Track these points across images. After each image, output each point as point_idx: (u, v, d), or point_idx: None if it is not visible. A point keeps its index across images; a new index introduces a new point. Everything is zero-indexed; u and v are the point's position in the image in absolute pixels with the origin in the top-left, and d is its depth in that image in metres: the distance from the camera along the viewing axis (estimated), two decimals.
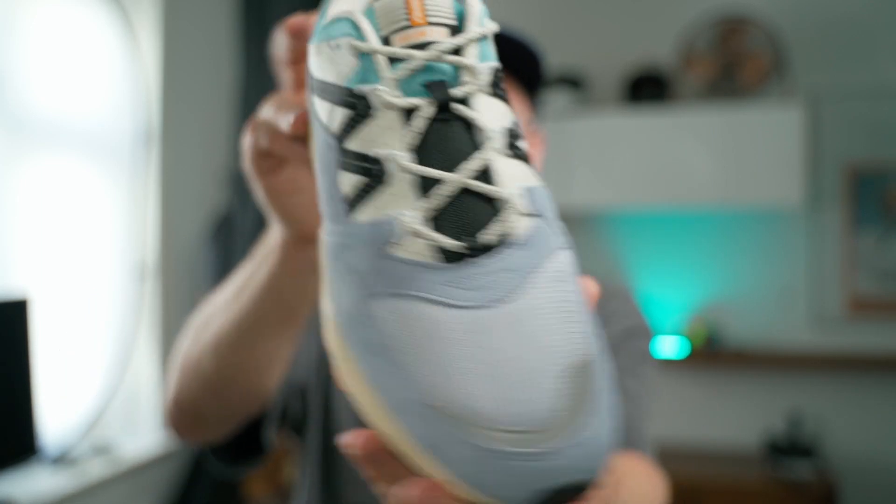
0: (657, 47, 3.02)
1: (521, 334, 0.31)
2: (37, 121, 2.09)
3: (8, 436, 1.81)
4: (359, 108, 0.34)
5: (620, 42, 3.12)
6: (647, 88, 2.98)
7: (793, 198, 2.70)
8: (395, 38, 0.34)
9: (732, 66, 2.86)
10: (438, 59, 0.34)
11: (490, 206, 0.33)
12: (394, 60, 0.34)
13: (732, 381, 3.02)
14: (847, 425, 2.92)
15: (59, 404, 2.12)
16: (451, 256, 0.32)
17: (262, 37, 2.68)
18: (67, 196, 2.21)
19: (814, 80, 2.96)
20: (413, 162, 0.33)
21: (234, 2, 2.81)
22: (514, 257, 0.32)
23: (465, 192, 0.33)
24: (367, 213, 0.33)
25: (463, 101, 0.34)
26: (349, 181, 0.34)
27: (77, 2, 2.21)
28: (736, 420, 2.98)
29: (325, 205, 0.36)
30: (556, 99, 2.93)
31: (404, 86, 0.34)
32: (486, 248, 0.32)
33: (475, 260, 0.32)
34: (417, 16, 0.35)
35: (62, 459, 2.05)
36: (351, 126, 0.34)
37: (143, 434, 2.41)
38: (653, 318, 3.04)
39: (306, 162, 0.46)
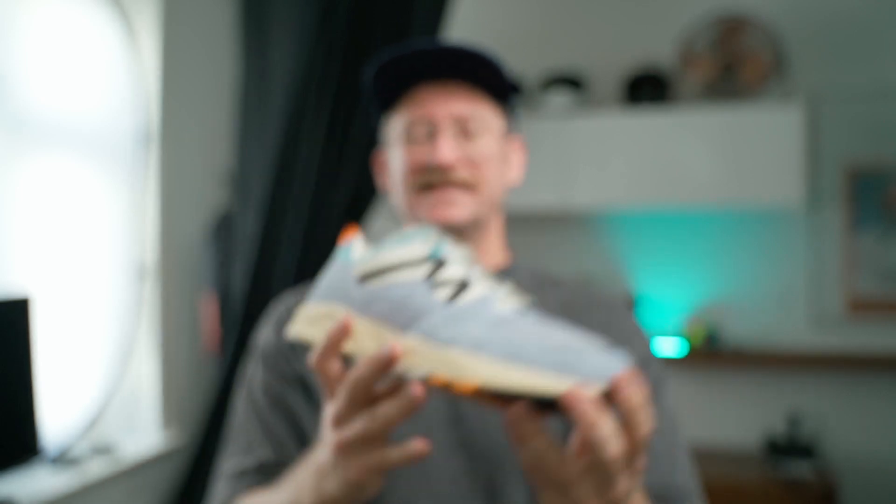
0: (657, 48, 3.02)
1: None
2: (37, 121, 2.09)
3: (10, 437, 1.81)
4: (436, 264, 0.62)
5: (620, 42, 3.12)
6: (648, 89, 2.98)
7: (793, 198, 2.70)
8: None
9: (732, 66, 2.86)
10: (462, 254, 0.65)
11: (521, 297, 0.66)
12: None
13: (732, 380, 3.02)
14: (847, 425, 2.92)
15: (59, 404, 2.12)
16: (521, 312, 0.62)
17: (261, 37, 2.68)
18: (67, 196, 2.21)
19: (813, 80, 2.96)
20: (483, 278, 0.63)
21: (234, 2, 2.81)
22: None
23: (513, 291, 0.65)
24: (468, 298, 0.59)
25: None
26: (443, 295, 0.60)
27: (77, 2, 2.21)
28: (735, 419, 2.99)
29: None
30: (556, 99, 2.93)
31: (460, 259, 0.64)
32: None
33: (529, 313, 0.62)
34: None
35: (62, 459, 2.06)
36: (433, 274, 0.61)
37: (142, 433, 2.41)
38: (653, 319, 3.04)
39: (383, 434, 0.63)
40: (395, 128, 0.97)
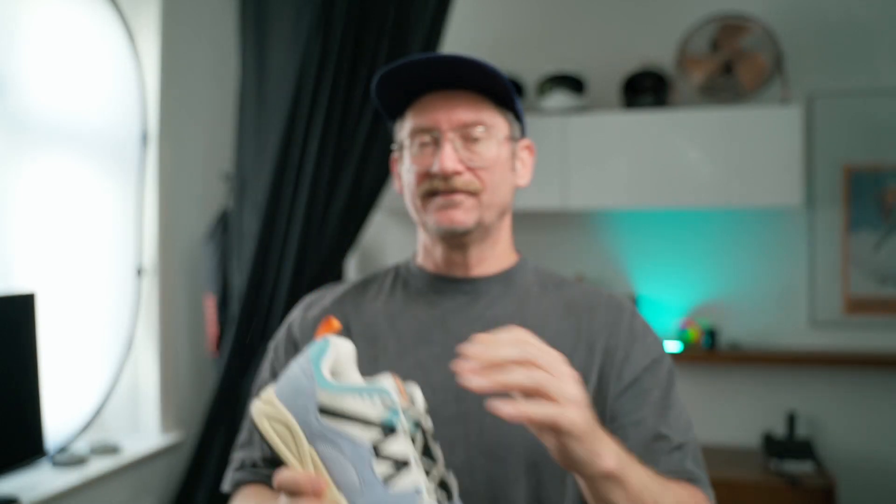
0: (656, 48, 3.03)
1: None
2: (38, 121, 2.10)
3: (15, 435, 1.82)
4: (386, 432, 0.67)
5: (620, 43, 3.13)
6: (647, 89, 2.98)
7: (792, 199, 2.70)
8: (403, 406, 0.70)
9: (731, 67, 2.86)
10: (417, 416, 0.71)
11: (450, 487, 0.71)
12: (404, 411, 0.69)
13: (731, 380, 3.03)
14: (845, 424, 2.93)
15: (61, 402, 2.13)
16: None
17: (261, 37, 2.69)
18: (69, 196, 2.22)
19: (811, 82, 2.97)
20: (422, 460, 0.67)
21: (234, 3, 2.81)
22: None
23: (444, 478, 0.71)
24: (400, 484, 0.65)
25: (424, 428, 0.71)
26: (381, 470, 0.65)
27: (78, 3, 2.22)
28: (734, 418, 2.99)
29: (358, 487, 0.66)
30: (556, 100, 2.93)
31: (410, 425, 0.69)
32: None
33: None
34: (402, 391, 0.71)
35: (64, 456, 2.06)
36: (380, 442, 0.66)
37: (144, 431, 2.42)
38: (652, 318, 3.05)
39: None
40: (403, 135, 1.01)
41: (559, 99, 2.93)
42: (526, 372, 0.69)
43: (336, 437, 0.66)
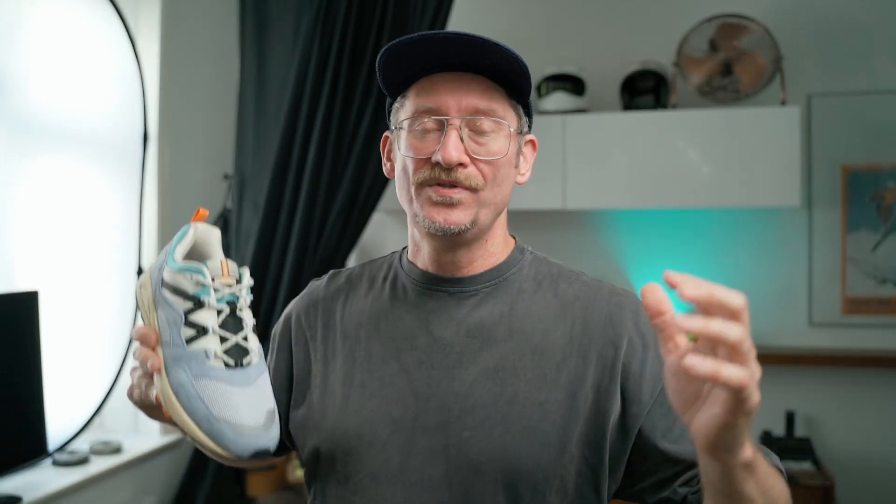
0: (656, 49, 3.03)
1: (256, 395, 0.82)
2: (40, 121, 2.10)
3: (19, 436, 1.82)
4: (196, 304, 0.82)
5: (620, 43, 3.13)
6: (646, 90, 2.99)
7: (791, 200, 2.71)
8: (217, 280, 0.83)
9: (730, 68, 2.87)
10: (236, 293, 0.84)
11: (246, 352, 0.83)
12: (216, 289, 0.83)
13: None
14: (844, 423, 2.94)
15: (62, 401, 2.13)
16: (229, 366, 0.81)
17: (261, 37, 2.69)
18: (70, 195, 2.22)
19: (810, 82, 2.98)
20: (218, 330, 0.82)
21: (234, 2, 2.82)
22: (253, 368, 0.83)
23: (238, 344, 0.83)
24: (195, 345, 0.81)
25: (240, 309, 0.84)
26: (186, 333, 0.81)
27: (78, 3, 2.22)
28: None
29: (168, 344, 0.82)
30: (556, 100, 2.94)
31: (219, 300, 0.83)
32: (245, 365, 0.82)
33: (239, 367, 0.82)
34: (225, 272, 0.84)
35: (65, 456, 2.07)
36: (191, 311, 0.81)
37: (144, 431, 2.42)
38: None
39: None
40: (404, 113, 0.92)
41: (559, 99, 2.93)
42: (738, 329, 0.61)
43: (164, 305, 0.83)
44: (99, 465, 2.10)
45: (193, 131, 2.63)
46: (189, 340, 0.80)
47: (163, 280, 0.84)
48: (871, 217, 2.95)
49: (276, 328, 1.08)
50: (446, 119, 0.88)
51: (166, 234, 2.46)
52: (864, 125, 2.95)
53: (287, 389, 1.03)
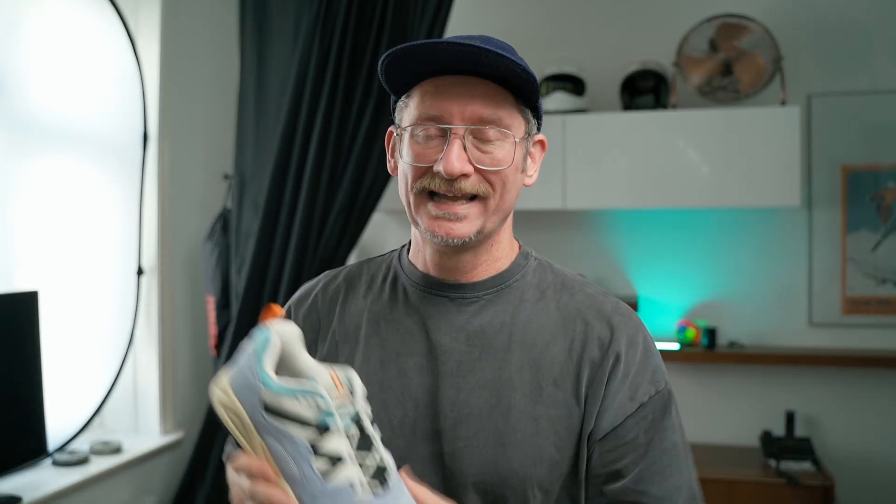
0: (656, 49, 3.03)
1: None
2: (40, 122, 2.10)
3: (20, 436, 1.82)
4: (321, 430, 0.72)
5: (620, 43, 3.13)
6: (646, 90, 2.99)
7: (790, 200, 2.71)
8: (335, 398, 0.73)
9: (730, 68, 2.87)
10: (357, 409, 0.75)
11: (385, 469, 0.74)
12: (339, 409, 0.73)
13: (730, 379, 3.03)
14: (844, 423, 2.94)
15: (62, 400, 2.13)
16: (378, 494, 0.72)
17: (261, 37, 2.69)
18: (70, 195, 2.22)
19: (810, 82, 2.98)
20: (356, 455, 0.73)
21: (234, 3, 2.82)
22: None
23: (378, 465, 0.74)
24: (336, 479, 0.71)
25: (365, 425, 0.75)
26: (319, 466, 0.71)
27: (78, 4, 2.22)
28: (733, 418, 3.00)
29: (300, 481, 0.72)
30: (556, 100, 2.94)
31: (346, 424, 0.73)
32: (390, 485, 0.73)
33: (385, 487, 0.73)
34: (338, 384, 0.75)
35: (65, 456, 2.07)
36: (317, 440, 0.71)
37: (144, 431, 2.42)
38: (651, 318, 3.06)
39: None
40: (407, 116, 0.89)
41: (559, 99, 2.93)
42: None
43: (279, 435, 0.72)
44: (99, 465, 2.10)
45: (193, 131, 2.63)
46: (325, 475, 0.70)
47: (265, 406, 0.73)
48: (871, 217, 2.95)
49: None
50: (450, 128, 0.85)
51: (166, 234, 2.46)
52: (864, 125, 2.95)
53: None
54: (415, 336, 0.93)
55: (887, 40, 2.94)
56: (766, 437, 2.84)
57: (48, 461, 2.05)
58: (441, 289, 0.94)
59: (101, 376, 2.32)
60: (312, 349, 0.97)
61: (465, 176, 0.85)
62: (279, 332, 0.76)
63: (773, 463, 2.69)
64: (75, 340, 2.23)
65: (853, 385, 2.93)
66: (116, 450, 2.21)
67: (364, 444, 0.73)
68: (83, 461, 2.09)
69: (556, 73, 2.99)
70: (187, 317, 2.62)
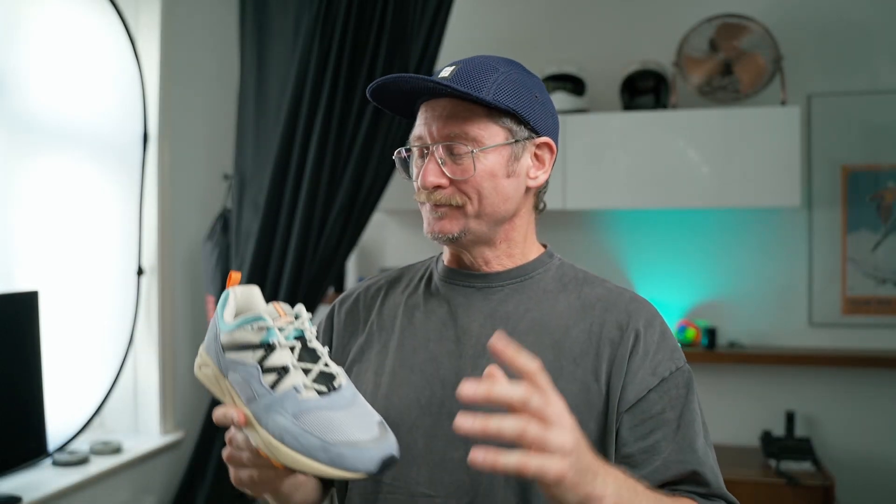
0: (656, 49, 3.03)
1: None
2: (40, 122, 2.10)
3: (20, 436, 1.82)
4: (267, 349, 0.81)
5: (620, 43, 3.13)
6: (646, 90, 2.99)
7: (790, 200, 2.71)
8: (277, 322, 0.83)
9: (730, 68, 2.87)
10: (299, 326, 0.83)
11: (333, 376, 0.82)
12: (280, 329, 0.82)
13: (730, 379, 3.03)
14: (844, 423, 2.94)
15: (62, 400, 2.13)
16: (323, 393, 0.79)
17: (261, 37, 2.69)
18: (70, 196, 2.22)
19: (810, 82, 2.98)
20: (298, 364, 0.81)
21: (234, 3, 2.82)
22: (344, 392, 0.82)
23: (322, 371, 0.82)
24: (282, 387, 0.79)
25: (309, 341, 0.84)
26: (267, 380, 0.80)
27: (78, 4, 2.22)
28: (733, 417, 3.00)
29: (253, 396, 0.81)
30: (556, 100, 2.94)
31: (288, 337, 0.82)
32: (337, 388, 0.81)
33: (332, 391, 0.80)
34: (282, 313, 0.84)
35: (65, 456, 2.07)
36: (264, 358, 0.80)
37: (144, 431, 2.42)
38: None
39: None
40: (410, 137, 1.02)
41: (559, 99, 2.93)
42: (514, 421, 0.70)
43: (235, 366, 0.82)
44: (99, 465, 2.10)
45: (193, 131, 2.63)
46: (273, 385, 0.79)
47: (222, 346, 0.83)
48: (871, 217, 2.95)
49: (320, 323, 1.14)
50: (428, 146, 0.97)
51: (166, 234, 2.46)
52: (864, 125, 2.95)
53: None
54: (445, 323, 1.01)
55: (887, 40, 2.94)
56: (766, 437, 2.84)
57: (48, 461, 2.05)
58: (466, 279, 1.03)
59: (101, 376, 2.32)
60: (352, 341, 1.08)
61: (441, 187, 0.96)
62: (236, 291, 0.88)
63: (773, 463, 2.69)
64: (75, 340, 2.23)
65: (853, 385, 2.93)
66: (116, 450, 2.21)
67: (308, 356, 0.82)
68: (83, 461, 2.09)
69: (556, 73, 2.99)
70: (187, 317, 2.61)
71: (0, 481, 1.82)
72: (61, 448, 2.13)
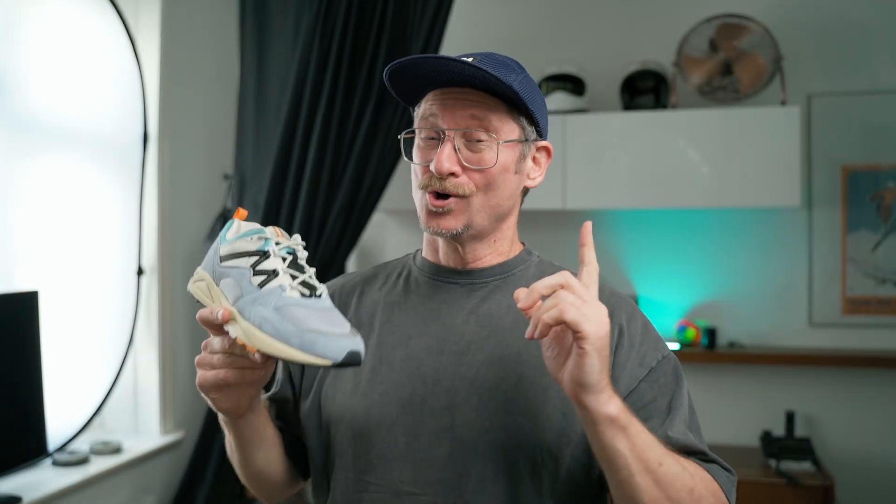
0: (656, 49, 3.03)
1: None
2: (40, 122, 2.10)
3: (20, 436, 1.82)
4: (261, 256, 0.87)
5: (619, 43, 3.13)
6: (646, 90, 2.99)
7: (790, 200, 2.71)
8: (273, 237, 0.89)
9: (730, 68, 2.87)
10: (292, 246, 0.89)
11: (316, 287, 0.86)
12: (277, 243, 0.88)
13: (730, 379, 3.03)
14: (844, 423, 2.94)
15: (62, 400, 2.13)
16: (305, 295, 0.84)
17: (261, 37, 2.69)
18: (70, 196, 2.22)
19: (810, 82, 2.98)
20: (287, 269, 0.86)
21: (234, 3, 2.82)
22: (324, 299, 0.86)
23: (307, 280, 0.86)
24: (270, 286, 0.85)
25: (300, 259, 0.89)
26: (257, 280, 0.85)
27: (78, 4, 2.22)
28: (733, 418, 3.00)
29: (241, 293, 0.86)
30: (556, 100, 2.94)
31: (281, 251, 0.88)
32: (319, 296, 0.85)
33: (314, 297, 0.85)
34: (280, 234, 0.90)
35: (65, 456, 2.07)
36: (257, 263, 0.86)
37: (144, 431, 2.42)
38: (651, 318, 3.06)
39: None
40: (416, 120, 1.01)
41: (559, 99, 2.93)
42: (552, 300, 0.78)
43: (229, 270, 0.88)
44: (99, 465, 2.10)
45: (193, 131, 2.63)
46: (261, 285, 0.84)
47: (220, 258, 0.89)
48: (871, 217, 2.95)
49: None
50: (444, 131, 0.95)
51: (166, 234, 2.46)
52: (864, 125, 2.95)
53: (299, 376, 1.09)
54: (427, 320, 1.01)
55: (887, 40, 2.94)
56: (766, 437, 2.84)
57: (48, 461, 2.05)
58: (450, 276, 1.03)
59: (101, 376, 2.32)
60: None
61: (454, 175, 0.95)
62: (241, 220, 0.93)
63: (773, 463, 2.69)
64: (75, 340, 2.23)
65: (853, 385, 2.93)
66: (116, 450, 2.21)
67: (297, 268, 0.87)
68: (83, 461, 2.09)
69: (556, 73, 2.99)
70: (187, 317, 2.61)
71: (0, 481, 1.82)
72: (61, 448, 2.13)
